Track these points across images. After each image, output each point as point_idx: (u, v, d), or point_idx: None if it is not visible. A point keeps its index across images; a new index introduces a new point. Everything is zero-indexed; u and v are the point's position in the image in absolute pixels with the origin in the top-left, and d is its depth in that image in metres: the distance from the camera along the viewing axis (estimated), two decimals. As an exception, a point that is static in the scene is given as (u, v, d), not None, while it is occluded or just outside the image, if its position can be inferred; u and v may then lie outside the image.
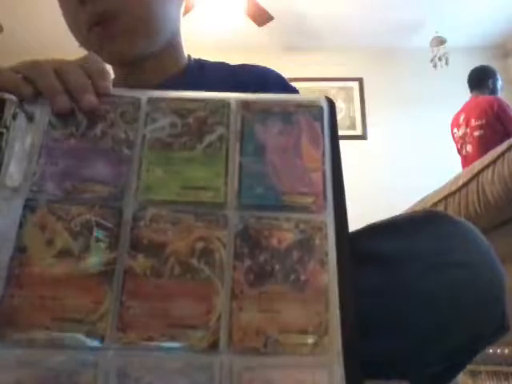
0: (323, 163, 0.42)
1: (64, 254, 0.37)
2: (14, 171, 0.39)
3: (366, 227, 0.55)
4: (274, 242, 0.38)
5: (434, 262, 0.46)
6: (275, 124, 0.43)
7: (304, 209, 0.40)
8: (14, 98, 0.41)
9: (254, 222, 0.39)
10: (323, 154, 0.42)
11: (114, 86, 0.68)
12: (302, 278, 0.37)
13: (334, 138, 0.43)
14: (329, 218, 0.40)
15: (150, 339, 0.35)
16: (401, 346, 0.46)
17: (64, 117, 0.42)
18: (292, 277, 0.37)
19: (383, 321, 0.46)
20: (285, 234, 0.39)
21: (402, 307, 0.46)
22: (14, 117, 0.41)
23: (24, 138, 0.41)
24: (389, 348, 0.46)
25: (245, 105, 0.44)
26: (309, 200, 0.40)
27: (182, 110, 0.43)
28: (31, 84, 0.42)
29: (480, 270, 0.46)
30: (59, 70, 0.43)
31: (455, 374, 0.52)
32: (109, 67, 0.68)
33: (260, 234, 0.39)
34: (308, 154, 0.42)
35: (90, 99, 0.42)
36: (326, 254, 0.38)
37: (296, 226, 0.39)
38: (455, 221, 0.50)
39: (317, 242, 0.39)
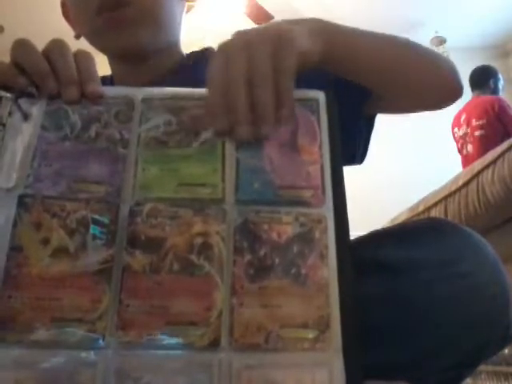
0: (320, 156, 0.41)
1: (60, 252, 0.36)
2: (9, 172, 0.39)
3: (372, 234, 0.54)
4: (274, 235, 0.38)
5: (441, 273, 0.45)
6: None
7: (303, 202, 0.39)
8: (9, 95, 0.41)
9: (253, 216, 0.39)
10: (320, 147, 0.42)
11: (111, 82, 0.68)
12: (303, 271, 0.37)
13: (333, 131, 0.43)
14: (328, 210, 0.39)
15: (150, 337, 0.34)
16: (405, 354, 0.46)
17: (58, 119, 0.42)
18: (292, 271, 0.37)
19: (388, 329, 0.45)
20: (284, 228, 0.38)
21: (407, 316, 0.45)
22: (10, 114, 0.40)
23: (19, 138, 0.40)
24: (393, 356, 0.46)
25: None
26: (307, 194, 0.40)
27: (176, 107, 0.43)
28: (25, 73, 0.42)
29: (486, 281, 0.46)
30: (49, 53, 0.43)
31: (459, 381, 0.52)
32: (105, 61, 0.67)
33: (259, 228, 0.38)
34: (305, 148, 0.42)
35: (72, 91, 0.42)
36: (326, 248, 0.38)
37: (296, 219, 0.39)
38: (463, 231, 0.50)
39: (316, 235, 0.38)
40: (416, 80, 0.57)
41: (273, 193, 0.40)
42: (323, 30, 0.49)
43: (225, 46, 0.43)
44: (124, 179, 0.40)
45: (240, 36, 0.44)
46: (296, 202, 0.39)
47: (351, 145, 0.63)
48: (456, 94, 0.61)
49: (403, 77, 0.56)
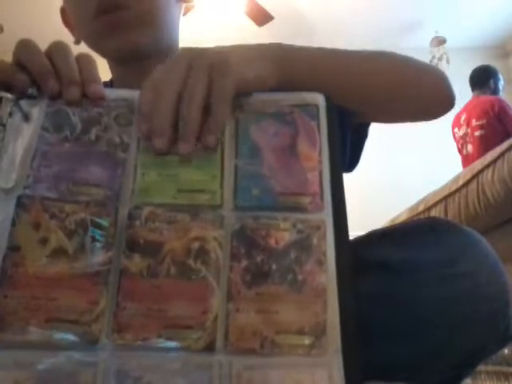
0: (320, 162, 0.41)
1: (58, 253, 0.36)
2: (8, 172, 0.39)
3: (371, 234, 0.54)
4: (272, 241, 0.38)
5: (440, 272, 0.45)
6: (271, 124, 0.43)
7: (301, 209, 0.39)
8: (10, 96, 0.41)
9: (251, 222, 0.39)
10: (320, 153, 0.42)
11: (111, 85, 0.68)
12: (300, 277, 0.37)
13: (333, 136, 0.43)
14: (327, 217, 0.39)
15: (146, 340, 0.34)
16: (404, 355, 0.46)
17: (58, 121, 0.41)
18: (289, 277, 0.37)
19: (388, 329, 0.45)
20: (282, 234, 0.38)
21: (406, 316, 0.45)
22: (11, 115, 0.40)
23: (19, 138, 0.40)
24: (392, 356, 0.46)
25: (239, 106, 0.43)
26: (306, 200, 0.40)
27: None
28: (25, 71, 0.42)
29: (486, 281, 0.46)
30: (51, 54, 0.43)
31: (459, 381, 0.52)
32: (105, 67, 0.67)
33: (257, 234, 0.38)
34: (304, 154, 0.42)
35: (73, 91, 0.42)
36: (324, 254, 0.38)
37: (293, 225, 0.39)
38: (462, 230, 0.50)
39: (314, 241, 0.38)
40: (400, 93, 0.56)
41: (271, 199, 0.40)
42: (280, 56, 0.49)
43: (171, 60, 0.44)
44: (123, 183, 0.40)
45: (186, 53, 0.44)
46: (294, 209, 0.39)
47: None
48: (447, 104, 0.59)
49: (382, 92, 0.55)
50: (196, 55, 0.44)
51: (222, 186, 0.40)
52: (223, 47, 0.48)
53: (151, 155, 0.41)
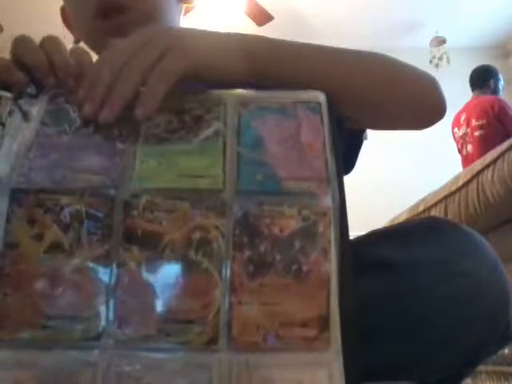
0: (325, 151, 0.41)
1: (54, 248, 0.35)
2: (5, 164, 0.38)
3: (371, 233, 0.54)
4: (276, 229, 0.37)
5: (440, 272, 0.45)
6: (273, 118, 0.42)
7: (307, 194, 0.38)
8: (9, 95, 0.40)
9: (254, 208, 0.37)
10: (324, 143, 0.41)
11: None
12: (305, 268, 0.36)
13: (334, 134, 0.42)
14: (334, 202, 0.38)
15: (147, 335, 0.34)
16: (404, 354, 0.46)
17: (58, 118, 0.41)
18: (294, 267, 0.36)
19: (388, 328, 0.45)
20: (287, 222, 0.37)
21: (406, 316, 0.45)
22: (10, 114, 0.40)
23: (19, 137, 0.40)
24: (392, 355, 0.46)
25: (242, 102, 0.43)
26: (312, 185, 0.39)
27: (178, 108, 0.42)
28: (23, 69, 0.42)
29: (486, 281, 0.46)
30: (46, 48, 0.43)
31: (459, 381, 0.52)
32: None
33: (261, 222, 0.37)
34: (308, 143, 0.41)
35: (71, 83, 0.42)
36: (330, 242, 0.37)
37: (299, 212, 0.37)
38: (462, 230, 0.50)
39: (320, 228, 0.37)
40: (388, 97, 0.54)
41: (276, 184, 0.39)
42: (256, 48, 0.48)
43: (135, 34, 0.44)
44: (121, 169, 0.39)
45: (149, 30, 0.44)
46: (300, 194, 0.38)
47: None
48: (439, 110, 0.56)
49: (372, 92, 0.52)
50: (156, 33, 0.44)
51: (224, 171, 0.39)
52: (196, 31, 0.47)
53: (151, 145, 0.40)
